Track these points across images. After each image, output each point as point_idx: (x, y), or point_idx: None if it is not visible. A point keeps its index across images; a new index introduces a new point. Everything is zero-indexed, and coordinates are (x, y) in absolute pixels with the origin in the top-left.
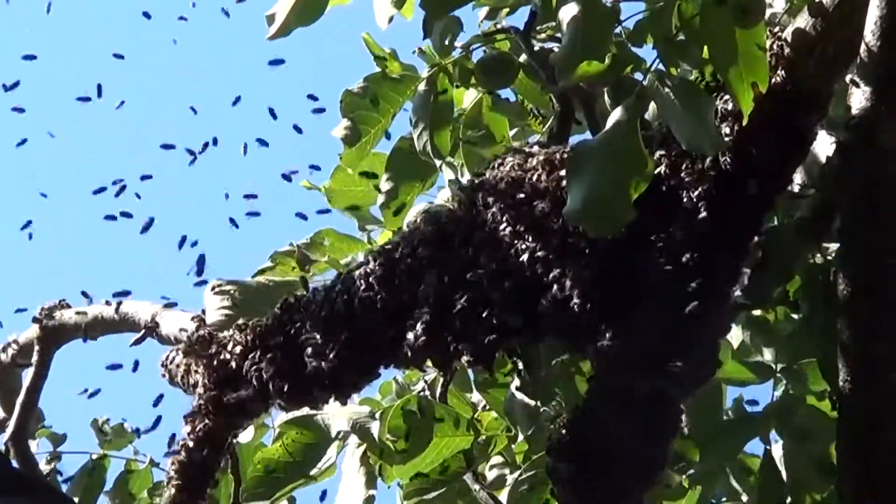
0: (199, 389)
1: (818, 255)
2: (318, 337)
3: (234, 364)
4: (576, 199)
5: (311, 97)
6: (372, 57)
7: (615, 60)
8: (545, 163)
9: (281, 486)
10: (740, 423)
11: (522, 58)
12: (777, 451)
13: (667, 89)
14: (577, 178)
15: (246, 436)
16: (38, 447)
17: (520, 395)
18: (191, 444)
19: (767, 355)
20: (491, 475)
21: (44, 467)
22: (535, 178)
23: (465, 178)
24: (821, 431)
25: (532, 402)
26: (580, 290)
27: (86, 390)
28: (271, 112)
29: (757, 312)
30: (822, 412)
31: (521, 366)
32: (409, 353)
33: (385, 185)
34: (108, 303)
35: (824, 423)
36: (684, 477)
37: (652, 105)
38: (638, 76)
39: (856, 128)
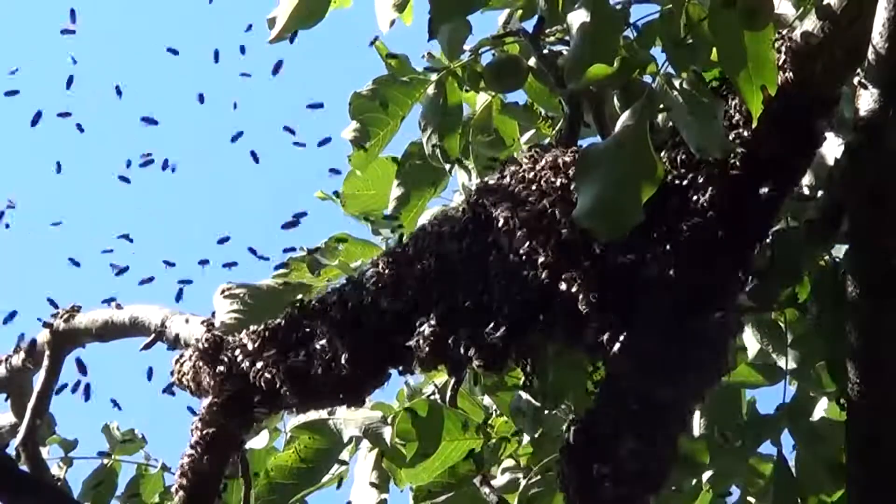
0: (209, 393)
1: (827, 256)
2: (327, 341)
3: (243, 368)
4: (585, 201)
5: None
6: (383, 63)
7: (624, 63)
8: (553, 165)
9: (293, 492)
10: (752, 425)
11: (532, 61)
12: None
13: (675, 92)
14: (587, 181)
15: (258, 440)
16: (50, 453)
17: (526, 398)
18: (200, 448)
19: (778, 357)
20: (503, 479)
21: (55, 472)
22: (543, 180)
23: (477, 180)
24: (832, 433)
25: (538, 405)
26: (588, 292)
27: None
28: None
29: (768, 314)
30: (833, 414)
31: (528, 369)
32: (419, 357)
33: (396, 191)
34: (118, 307)
35: (836, 425)
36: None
37: (661, 107)
38: (648, 79)
39: (863, 129)
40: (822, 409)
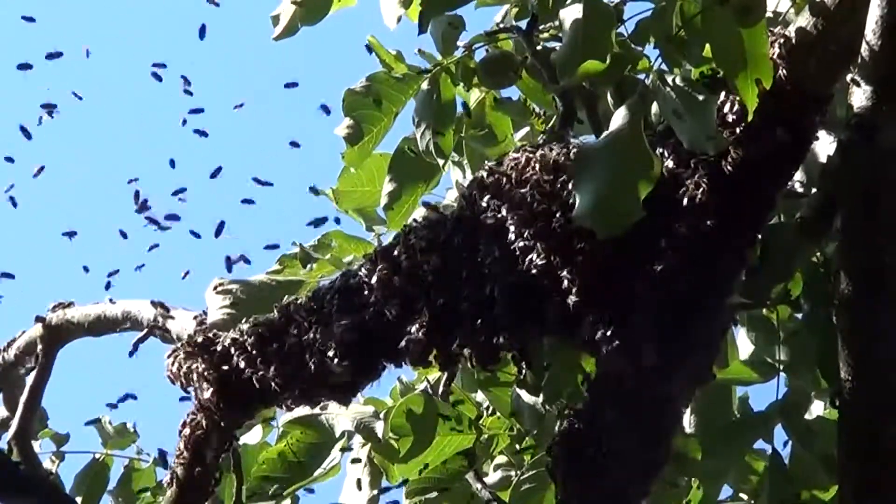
0: (201, 388)
1: (819, 254)
2: (319, 336)
3: (235, 363)
4: (584, 200)
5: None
6: (378, 58)
7: (616, 60)
8: (546, 162)
9: (285, 486)
10: (745, 422)
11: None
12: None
13: (668, 88)
14: (584, 179)
15: (250, 435)
16: (41, 447)
17: (524, 394)
18: (192, 442)
19: (770, 354)
20: (496, 476)
21: (47, 467)
22: (536, 177)
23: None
24: (825, 430)
25: (537, 400)
26: (581, 288)
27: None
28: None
29: (760, 312)
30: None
31: (523, 364)
32: (411, 353)
33: (388, 187)
34: (111, 301)
35: (829, 422)
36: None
37: (654, 104)
38: (641, 76)
39: (856, 127)
40: (817, 405)
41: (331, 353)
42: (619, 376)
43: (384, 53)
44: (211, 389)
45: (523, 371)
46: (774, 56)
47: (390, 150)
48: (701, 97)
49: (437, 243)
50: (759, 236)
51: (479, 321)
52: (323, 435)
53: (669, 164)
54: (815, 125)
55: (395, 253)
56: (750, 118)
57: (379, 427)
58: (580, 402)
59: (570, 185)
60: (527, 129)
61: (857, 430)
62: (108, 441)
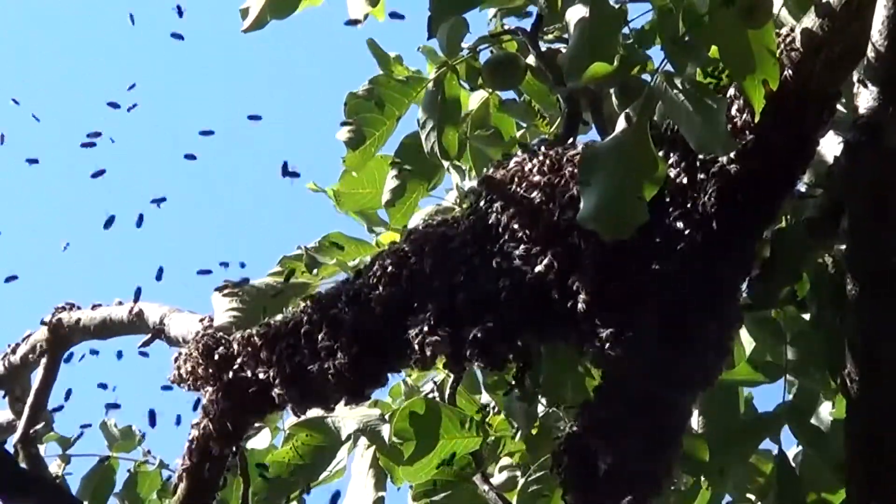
0: (208, 391)
1: (826, 254)
2: (326, 339)
3: (242, 366)
4: (589, 203)
5: None
6: (377, 62)
7: (623, 62)
8: (551, 163)
9: (291, 489)
10: (753, 424)
11: (530, 59)
12: (791, 451)
13: (675, 90)
14: (590, 182)
15: (257, 438)
16: (47, 451)
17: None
18: (199, 445)
19: (777, 355)
20: (501, 477)
21: (53, 470)
22: (540, 178)
23: (472, 179)
24: (834, 431)
25: (530, 403)
26: (587, 290)
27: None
28: None
29: (766, 312)
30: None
31: (521, 366)
32: (419, 355)
33: (391, 183)
34: (119, 303)
35: (837, 423)
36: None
37: (659, 105)
38: (646, 77)
39: (863, 127)
40: (825, 407)
41: (339, 356)
42: (625, 378)
43: (384, 56)
44: (217, 392)
45: (522, 372)
46: (780, 57)
47: (391, 153)
48: (709, 98)
49: (444, 245)
50: (767, 237)
51: (487, 324)
52: (329, 438)
53: (675, 165)
54: (822, 126)
55: (402, 255)
56: (757, 119)
57: (385, 430)
58: (580, 404)
59: (573, 186)
60: (522, 132)
61: (862, 431)
62: (114, 444)
